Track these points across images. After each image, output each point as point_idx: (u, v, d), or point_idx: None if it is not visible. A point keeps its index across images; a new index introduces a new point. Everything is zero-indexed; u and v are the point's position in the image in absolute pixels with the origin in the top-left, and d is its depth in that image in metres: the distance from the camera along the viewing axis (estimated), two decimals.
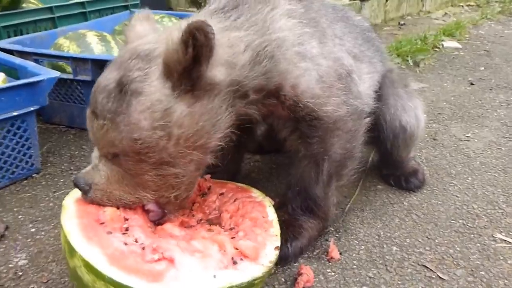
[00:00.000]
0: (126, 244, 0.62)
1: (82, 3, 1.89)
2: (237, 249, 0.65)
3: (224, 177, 0.92)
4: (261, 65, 0.67)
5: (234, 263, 0.62)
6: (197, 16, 0.72)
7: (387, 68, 1.03)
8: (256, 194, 0.83)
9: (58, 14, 1.77)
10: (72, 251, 0.60)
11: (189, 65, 0.58)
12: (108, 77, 0.61)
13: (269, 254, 0.67)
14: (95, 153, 0.66)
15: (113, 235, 0.63)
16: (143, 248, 0.62)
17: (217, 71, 0.61)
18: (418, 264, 0.83)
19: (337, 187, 0.86)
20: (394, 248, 0.88)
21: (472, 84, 1.87)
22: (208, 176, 0.86)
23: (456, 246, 0.88)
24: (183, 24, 0.58)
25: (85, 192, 0.66)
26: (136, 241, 0.63)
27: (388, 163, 1.08)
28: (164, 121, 0.59)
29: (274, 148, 1.19)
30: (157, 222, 0.72)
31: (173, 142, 0.61)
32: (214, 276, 0.59)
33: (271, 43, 0.68)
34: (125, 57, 0.63)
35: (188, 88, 0.61)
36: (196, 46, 0.56)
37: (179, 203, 0.70)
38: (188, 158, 0.64)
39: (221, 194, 0.83)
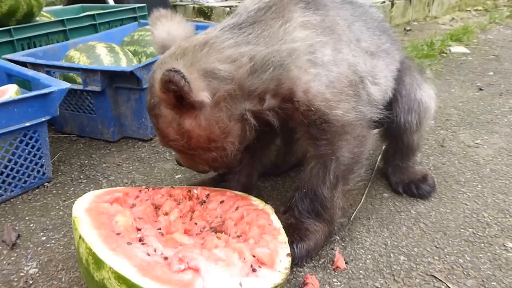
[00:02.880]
0: (148, 254, 0.62)
1: (92, 15, 1.95)
2: (254, 256, 0.65)
3: (234, 188, 0.94)
4: (266, 73, 0.75)
5: (254, 270, 0.63)
6: (212, 30, 0.80)
7: (403, 56, 1.07)
8: (257, 202, 0.84)
9: (69, 27, 1.83)
10: (99, 263, 0.60)
11: (176, 102, 0.72)
12: (147, 99, 0.81)
13: (283, 261, 0.67)
14: None
15: (134, 246, 0.63)
16: (165, 258, 0.62)
17: (203, 96, 0.71)
18: (427, 274, 0.82)
19: (343, 191, 0.86)
20: (402, 257, 0.87)
21: (480, 89, 1.85)
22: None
23: (466, 255, 0.87)
24: (159, 71, 0.71)
25: (180, 165, 0.91)
26: (155, 251, 0.64)
27: (398, 156, 1.09)
28: (181, 131, 0.77)
29: (288, 167, 1.20)
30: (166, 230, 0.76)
31: (195, 143, 0.78)
32: (240, 284, 0.59)
33: (281, 53, 0.75)
34: (150, 81, 0.79)
35: (186, 109, 0.74)
36: (175, 92, 0.69)
37: (230, 166, 0.89)
38: (215, 151, 0.80)
39: (222, 202, 0.84)
